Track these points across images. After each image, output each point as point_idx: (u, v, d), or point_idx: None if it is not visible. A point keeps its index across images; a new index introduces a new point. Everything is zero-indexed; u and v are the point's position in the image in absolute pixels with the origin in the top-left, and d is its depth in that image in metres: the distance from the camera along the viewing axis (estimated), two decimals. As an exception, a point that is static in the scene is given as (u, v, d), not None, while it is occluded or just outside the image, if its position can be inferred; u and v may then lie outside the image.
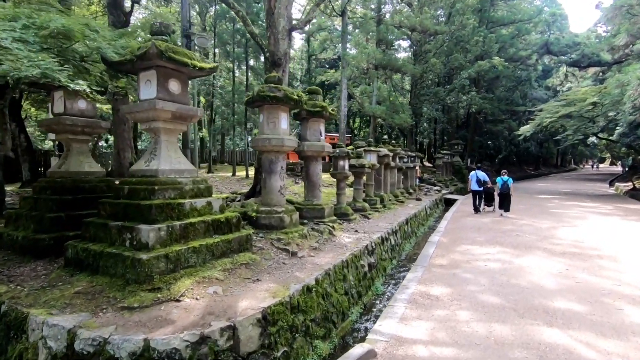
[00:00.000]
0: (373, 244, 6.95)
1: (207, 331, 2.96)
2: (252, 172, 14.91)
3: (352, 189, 11.05)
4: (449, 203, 18.32)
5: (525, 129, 23.04)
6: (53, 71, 3.76)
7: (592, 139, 35.64)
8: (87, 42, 4.59)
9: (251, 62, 26.49)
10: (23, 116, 16.70)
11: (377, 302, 6.05)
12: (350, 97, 25.89)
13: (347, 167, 9.34)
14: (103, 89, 5.26)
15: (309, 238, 6.42)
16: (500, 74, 28.31)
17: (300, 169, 15.58)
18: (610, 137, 25.71)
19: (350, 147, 11.71)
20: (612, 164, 63.39)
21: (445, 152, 25.65)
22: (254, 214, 6.42)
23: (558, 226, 10.63)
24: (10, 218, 5.54)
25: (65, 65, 4.21)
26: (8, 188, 10.90)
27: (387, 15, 22.92)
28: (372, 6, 24.59)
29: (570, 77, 35.99)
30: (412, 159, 17.45)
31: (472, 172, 13.97)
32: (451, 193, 21.09)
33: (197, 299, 3.66)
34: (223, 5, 16.82)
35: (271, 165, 6.44)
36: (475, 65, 23.95)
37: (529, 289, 5.36)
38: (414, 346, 3.66)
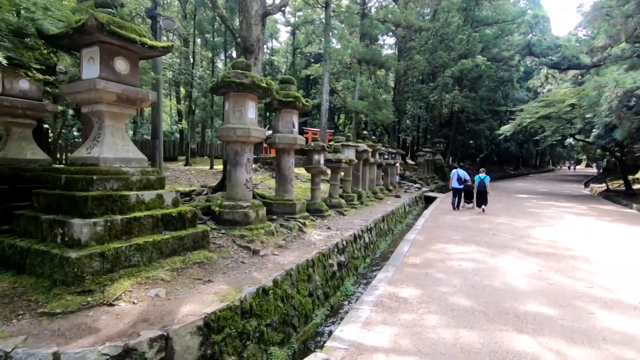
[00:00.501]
0: (344, 242, 6.65)
1: (134, 342, 2.57)
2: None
3: (329, 184, 10.73)
4: (429, 201, 18.24)
5: (506, 129, 23.18)
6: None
7: (570, 140, 36.40)
8: (22, 13, 4.08)
9: (234, 53, 25.78)
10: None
11: (346, 303, 5.76)
12: (334, 92, 25.53)
13: (322, 161, 9.00)
14: (44, 67, 4.73)
15: (276, 235, 6.06)
16: (483, 74, 28.42)
17: (278, 163, 15.16)
18: (587, 139, 26.19)
19: (331, 142, 11.39)
20: (587, 165, 65.22)
21: (427, 149, 25.63)
22: (217, 208, 6.01)
23: (535, 225, 10.60)
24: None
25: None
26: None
27: (373, 10, 22.59)
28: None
29: (551, 79, 36.53)
30: (393, 155, 17.25)
31: (454, 171, 14.34)
32: (432, 191, 21.06)
33: (134, 303, 3.26)
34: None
35: (236, 157, 6.03)
36: (458, 63, 23.93)
37: (501, 290, 5.16)
38: (374, 355, 3.37)
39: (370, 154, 12.86)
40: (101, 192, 3.75)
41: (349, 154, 11.01)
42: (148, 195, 4.18)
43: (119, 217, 3.74)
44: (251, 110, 6.01)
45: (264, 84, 5.92)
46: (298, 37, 38.13)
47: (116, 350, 2.48)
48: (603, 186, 23.76)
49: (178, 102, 28.96)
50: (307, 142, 12.69)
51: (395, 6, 23.15)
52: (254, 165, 15.60)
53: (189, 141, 25.19)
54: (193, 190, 8.20)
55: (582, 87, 19.89)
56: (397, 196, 15.21)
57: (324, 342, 4.11)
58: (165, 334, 2.73)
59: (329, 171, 9.71)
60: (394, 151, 17.92)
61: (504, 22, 27.99)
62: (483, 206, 13.10)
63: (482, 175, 13.05)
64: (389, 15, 20.41)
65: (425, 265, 6.48)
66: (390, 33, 26.56)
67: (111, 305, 3.18)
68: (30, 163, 5.21)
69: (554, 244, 8.18)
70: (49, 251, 3.39)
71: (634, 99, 13.67)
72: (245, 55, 7.61)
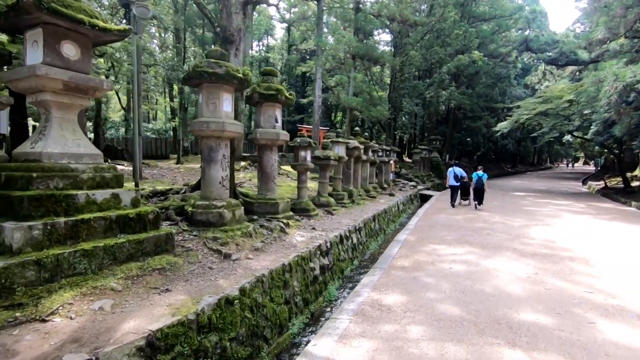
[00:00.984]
0: (329, 244, 6.25)
1: (51, 370, 2.16)
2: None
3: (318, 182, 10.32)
4: (424, 199, 17.85)
5: (503, 126, 22.82)
6: None
7: (568, 137, 36.09)
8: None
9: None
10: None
11: (328, 309, 5.37)
12: (329, 89, 25.05)
13: (309, 158, 8.59)
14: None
15: (255, 237, 5.65)
16: (480, 70, 28.05)
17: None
18: (585, 136, 25.84)
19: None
20: (585, 163, 64.94)
21: (423, 147, 25.21)
22: (190, 208, 5.59)
23: (530, 224, 10.22)
24: None
25: None
26: None
27: (367, 4, 22.12)
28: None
29: (548, 76, 36.15)
30: (387, 153, 16.86)
31: (450, 169, 14.17)
32: (427, 189, 20.67)
33: (71, 318, 2.85)
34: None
35: (211, 153, 5.61)
36: (455, 59, 23.52)
37: (493, 296, 4.77)
38: (348, 375, 2.97)
39: (362, 151, 12.46)
40: (42, 191, 3.33)
41: (339, 151, 10.61)
42: (101, 194, 3.77)
43: (62, 219, 3.32)
44: (226, 103, 5.58)
45: (239, 74, 5.50)
46: (293, 34, 37.63)
47: (27, 381, 2.07)
48: (601, 183, 23.43)
49: (171, 99, 28.45)
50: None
51: (390, 0, 22.68)
52: (242, 163, 15.21)
53: (182, 139, 24.72)
54: (170, 189, 7.78)
55: (580, 82, 19.53)
56: (391, 194, 14.82)
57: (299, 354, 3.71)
58: (93, 357, 2.32)
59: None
60: (389, 148, 17.52)
61: (501, 17, 27.61)
62: (476, 204, 13.07)
63: (480, 172, 13.01)
64: (384, 10, 19.95)
65: (414, 268, 6.09)
66: (385, 28, 26.06)
67: (44, 321, 2.77)
68: (-19, 160, 4.79)
69: (550, 244, 7.80)
70: (-24, 259, 2.98)
71: (633, 94, 13.30)
72: (225, 45, 7.18)
